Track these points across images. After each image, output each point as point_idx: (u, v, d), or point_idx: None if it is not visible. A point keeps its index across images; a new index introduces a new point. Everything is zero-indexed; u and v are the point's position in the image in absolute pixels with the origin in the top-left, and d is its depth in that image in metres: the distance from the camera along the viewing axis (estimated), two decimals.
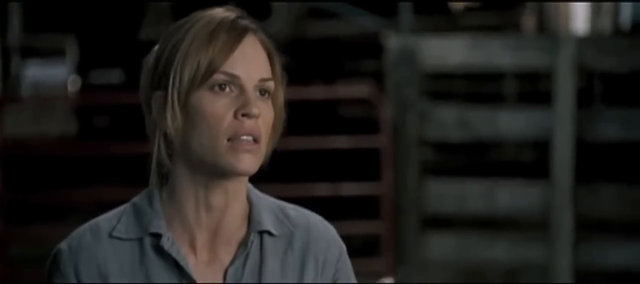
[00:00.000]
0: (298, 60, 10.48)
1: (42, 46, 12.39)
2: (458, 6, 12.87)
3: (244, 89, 1.60)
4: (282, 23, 11.28)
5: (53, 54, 12.22)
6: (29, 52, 12.42)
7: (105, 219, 1.66)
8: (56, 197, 6.84)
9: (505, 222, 6.11)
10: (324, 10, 11.44)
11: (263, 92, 1.62)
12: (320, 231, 1.70)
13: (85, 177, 7.74)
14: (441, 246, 5.83)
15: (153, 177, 1.65)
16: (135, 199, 1.67)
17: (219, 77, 1.59)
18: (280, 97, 1.66)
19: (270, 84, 1.63)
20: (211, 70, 1.59)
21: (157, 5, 11.43)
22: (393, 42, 5.91)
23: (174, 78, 1.60)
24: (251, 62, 1.62)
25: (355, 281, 1.71)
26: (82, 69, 11.97)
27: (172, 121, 1.60)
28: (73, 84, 11.82)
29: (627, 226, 5.94)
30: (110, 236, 1.63)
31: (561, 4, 10.94)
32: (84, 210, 6.14)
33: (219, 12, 1.65)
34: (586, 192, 5.73)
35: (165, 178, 1.65)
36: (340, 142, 6.29)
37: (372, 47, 9.63)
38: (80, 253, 1.63)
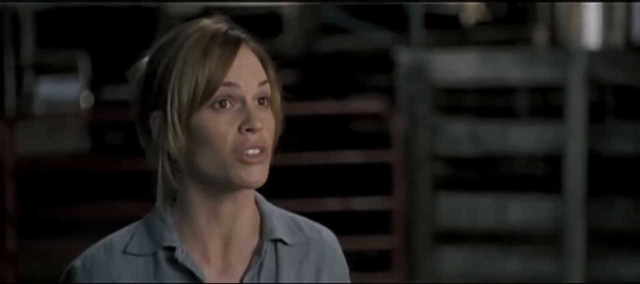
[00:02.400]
0: (310, 75, 10.49)
1: (54, 63, 12.43)
2: (469, 21, 12.88)
3: (244, 101, 1.60)
4: (294, 38, 11.30)
5: (65, 70, 12.25)
6: (42, 69, 12.46)
7: (118, 236, 1.67)
8: (69, 213, 6.86)
9: (517, 236, 6.10)
10: (336, 26, 11.45)
11: (262, 100, 1.63)
12: (333, 248, 1.73)
13: (97, 193, 7.76)
14: (453, 261, 5.82)
15: (160, 197, 1.65)
16: (147, 215, 1.68)
17: (219, 92, 1.59)
18: (277, 102, 1.67)
19: (267, 87, 1.63)
20: (211, 88, 1.59)
21: (170, 20, 11.46)
22: (404, 56, 5.92)
23: (172, 99, 1.59)
24: (247, 70, 1.62)
25: None
26: (94, 85, 12.00)
27: (175, 142, 1.60)
28: (85, 100, 11.86)
29: (639, 239, 5.92)
30: (124, 252, 1.64)
31: (573, 17, 10.94)
32: (97, 226, 6.15)
33: (209, 25, 1.64)
34: (598, 206, 5.71)
35: (174, 192, 1.66)
36: (352, 156, 6.29)
37: (383, 62, 9.63)
38: (93, 270, 1.64)
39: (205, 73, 1.59)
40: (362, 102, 9.15)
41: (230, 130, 1.59)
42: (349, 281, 1.75)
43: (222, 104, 1.60)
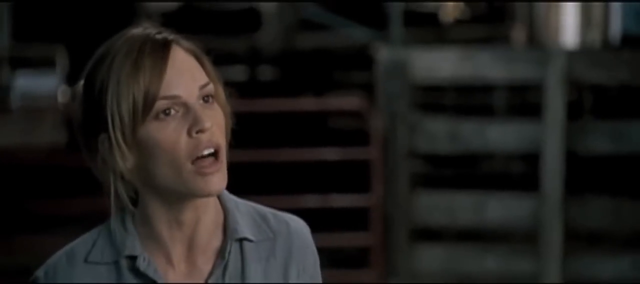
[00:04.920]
0: (288, 71, 10.47)
1: (31, 56, 12.36)
2: (448, 19, 12.90)
3: (187, 105, 1.57)
4: (273, 34, 11.28)
5: (43, 64, 12.19)
6: (19, 63, 12.38)
7: (80, 244, 1.65)
8: (45, 207, 6.82)
9: (494, 234, 6.11)
10: (315, 22, 11.44)
11: (206, 98, 1.59)
12: (301, 239, 1.69)
13: (74, 188, 7.72)
14: (431, 258, 5.83)
15: (114, 214, 1.63)
16: (109, 221, 1.65)
17: (160, 104, 1.56)
18: (222, 95, 1.64)
19: (210, 88, 1.60)
20: (150, 101, 1.56)
21: (148, 15, 11.42)
22: (383, 54, 5.92)
23: (113, 119, 1.56)
24: (185, 75, 1.58)
25: None
26: (72, 79, 11.94)
27: (124, 162, 1.58)
28: (63, 94, 11.80)
29: (617, 239, 5.94)
30: (86, 261, 1.63)
31: (551, 16, 10.97)
32: (75, 220, 6.12)
33: (136, 35, 1.61)
34: (576, 205, 5.73)
35: (134, 200, 1.64)
36: (330, 153, 6.29)
37: (362, 59, 9.63)
38: (56, 280, 1.62)
39: (140, 87, 1.56)
40: (341, 99, 9.14)
41: (180, 137, 1.56)
42: (319, 269, 1.72)
43: (166, 112, 1.57)
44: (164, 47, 1.59)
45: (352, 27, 11.42)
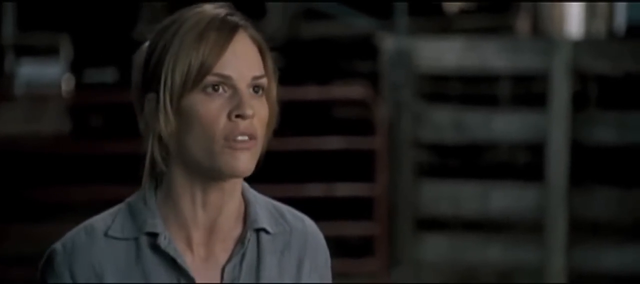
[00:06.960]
0: (293, 60, 10.47)
1: (36, 44, 12.36)
2: (453, 8, 12.88)
3: (237, 89, 1.59)
4: (277, 23, 11.27)
5: (47, 52, 12.19)
6: (23, 51, 12.39)
7: (100, 220, 1.65)
8: (49, 195, 6.82)
9: (499, 224, 6.11)
10: (319, 11, 11.43)
11: (256, 89, 1.61)
12: (315, 237, 1.72)
13: (78, 176, 7.73)
14: (435, 248, 5.83)
15: (146, 178, 1.64)
16: (130, 198, 1.66)
17: (211, 79, 1.58)
18: (273, 93, 1.65)
19: (263, 81, 1.62)
20: (203, 72, 1.58)
21: (152, 3, 11.42)
22: (388, 43, 5.91)
23: (165, 81, 1.58)
24: (243, 60, 1.60)
25: None
26: (76, 67, 11.95)
27: (166, 124, 1.59)
28: (67, 82, 11.81)
29: (621, 229, 5.94)
30: (106, 235, 1.62)
31: (556, 6, 10.95)
32: (77, 208, 6.12)
33: (209, 10, 1.63)
34: (580, 195, 5.73)
35: (159, 177, 1.64)
36: (335, 143, 6.28)
37: (367, 48, 9.62)
38: (74, 253, 1.61)
39: (198, 57, 1.58)
40: (346, 88, 9.13)
41: (220, 116, 1.58)
42: (330, 270, 1.74)
43: (214, 88, 1.58)
44: (232, 28, 1.61)
45: (356, 16, 11.41)
